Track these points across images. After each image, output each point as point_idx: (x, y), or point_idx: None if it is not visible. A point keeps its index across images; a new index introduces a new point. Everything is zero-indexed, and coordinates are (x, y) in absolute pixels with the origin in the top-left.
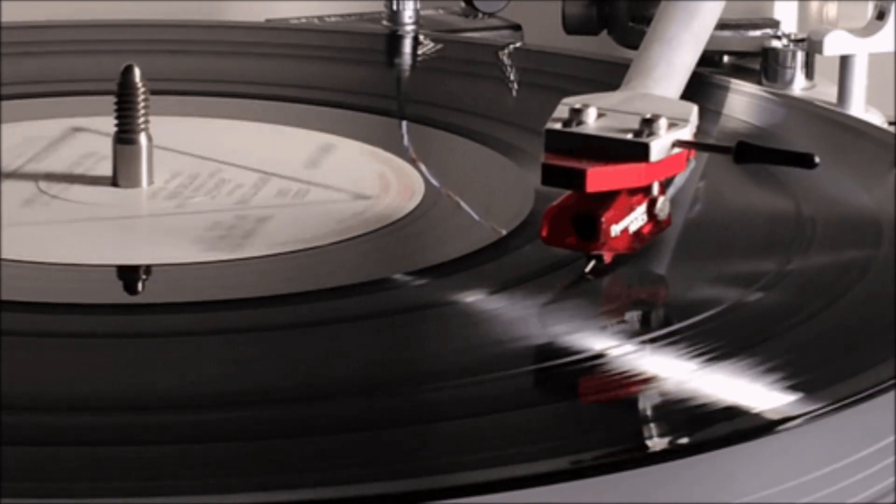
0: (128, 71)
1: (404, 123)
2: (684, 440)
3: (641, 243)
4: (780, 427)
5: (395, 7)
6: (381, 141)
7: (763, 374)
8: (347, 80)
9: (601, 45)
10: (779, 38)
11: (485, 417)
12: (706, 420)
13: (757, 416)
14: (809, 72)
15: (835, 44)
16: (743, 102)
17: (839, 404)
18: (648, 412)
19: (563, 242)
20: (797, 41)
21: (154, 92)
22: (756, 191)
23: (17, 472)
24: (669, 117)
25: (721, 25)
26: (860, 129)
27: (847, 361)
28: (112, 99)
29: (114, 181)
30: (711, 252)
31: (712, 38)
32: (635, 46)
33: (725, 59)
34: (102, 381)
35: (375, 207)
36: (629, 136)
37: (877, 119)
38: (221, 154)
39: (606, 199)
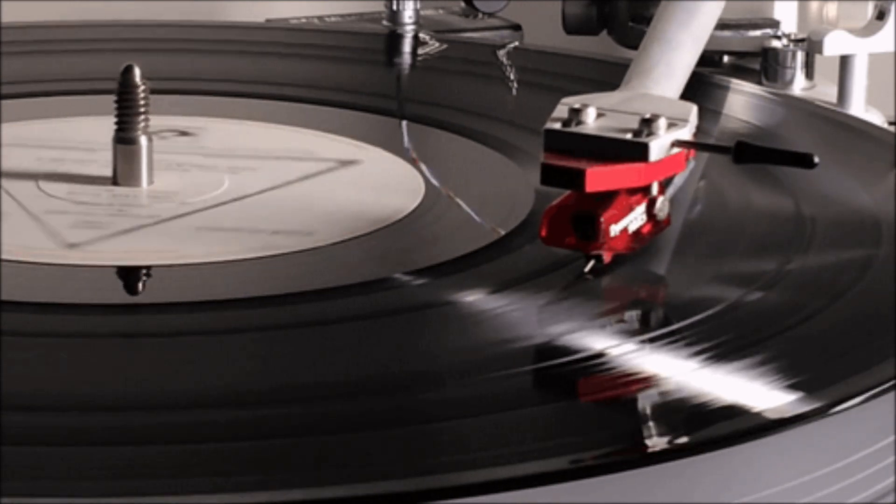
0: (128, 71)
1: (404, 123)
2: (684, 440)
3: (640, 243)
4: (780, 427)
5: (395, 7)
6: (381, 141)
7: (763, 374)
8: (347, 80)
9: (601, 45)
10: (779, 38)
11: (485, 417)
12: (706, 420)
13: (757, 415)
14: (809, 72)
15: (835, 44)
16: (743, 102)
17: (839, 404)
18: (648, 412)
19: (563, 242)
20: (797, 41)
21: (154, 92)
22: (756, 190)
23: (17, 472)
24: (669, 117)
25: (721, 25)
26: (860, 129)
27: (847, 361)
28: (112, 99)
29: (114, 181)
30: (711, 252)
31: (712, 38)
32: (635, 46)
33: (725, 59)
34: (102, 381)
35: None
36: (628, 136)
37: (877, 119)
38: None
39: (606, 198)
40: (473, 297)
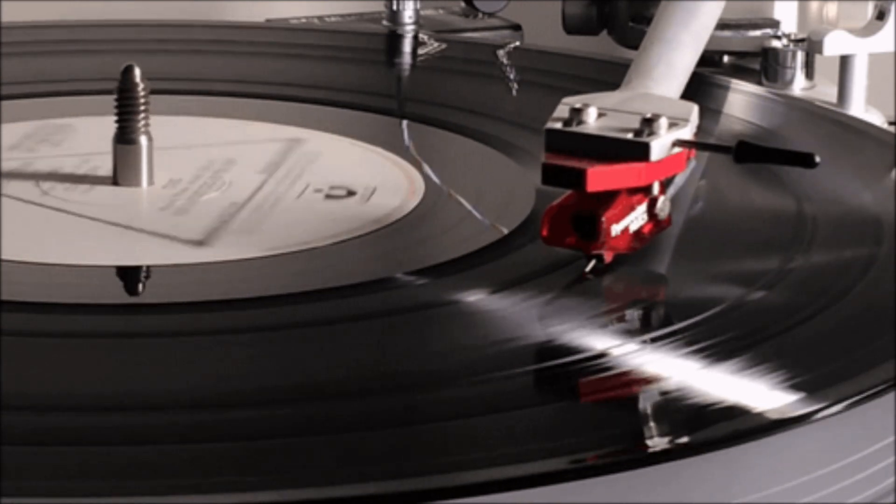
0: (128, 71)
1: (404, 123)
2: (684, 440)
3: (641, 243)
4: (780, 427)
5: (395, 7)
6: (381, 141)
7: (763, 374)
8: (347, 80)
9: (601, 45)
10: (779, 38)
11: (485, 417)
12: (706, 420)
13: (757, 415)
14: (809, 72)
15: (835, 44)
16: (743, 102)
17: (839, 404)
18: (649, 412)
19: (564, 242)
20: (797, 41)
21: (154, 92)
22: (756, 190)
23: (17, 472)
24: (670, 117)
25: (721, 25)
26: (860, 129)
27: (847, 361)
28: (112, 99)
29: (114, 181)
30: (712, 251)
31: (712, 38)
32: (635, 46)
33: (725, 59)
34: (102, 381)
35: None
36: (629, 136)
37: (877, 119)
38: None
39: (607, 198)
40: (474, 297)
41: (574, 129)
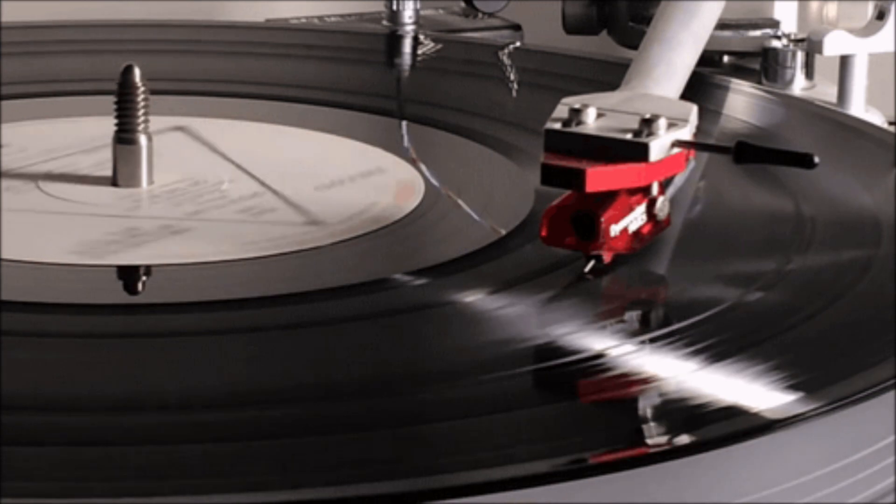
0: (128, 71)
1: (404, 123)
2: (684, 440)
3: (641, 243)
4: (780, 427)
5: (395, 7)
6: (381, 141)
7: (763, 374)
8: (347, 80)
9: (601, 45)
10: (779, 38)
11: (485, 417)
12: (706, 420)
13: (756, 415)
14: (809, 72)
15: (835, 44)
16: (743, 102)
17: (839, 404)
18: (648, 412)
19: (563, 242)
20: (797, 41)
21: (154, 92)
22: (756, 191)
23: (17, 472)
24: (669, 117)
25: (721, 25)
26: (860, 129)
27: (847, 361)
28: (112, 99)
29: (114, 181)
30: (711, 252)
31: (712, 38)
32: (635, 46)
33: (725, 59)
34: (102, 381)
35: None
36: (629, 136)
37: (877, 119)
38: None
39: (606, 198)
40: (473, 297)
41: (573, 129)
